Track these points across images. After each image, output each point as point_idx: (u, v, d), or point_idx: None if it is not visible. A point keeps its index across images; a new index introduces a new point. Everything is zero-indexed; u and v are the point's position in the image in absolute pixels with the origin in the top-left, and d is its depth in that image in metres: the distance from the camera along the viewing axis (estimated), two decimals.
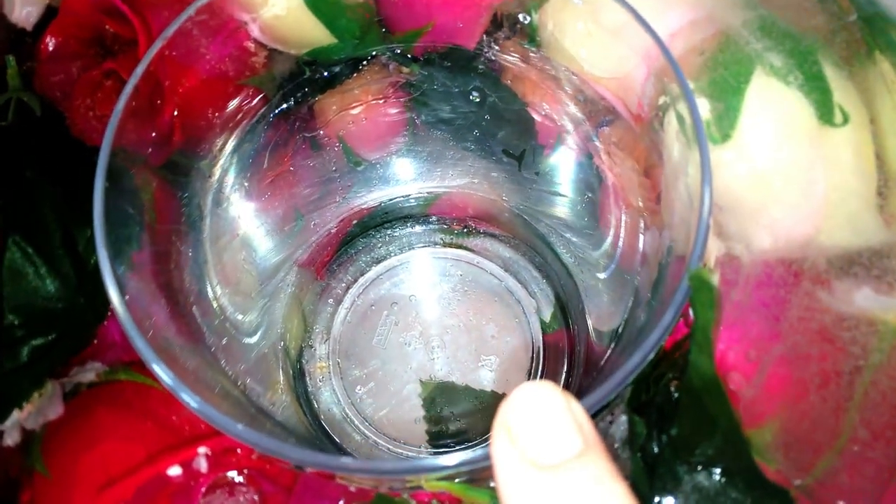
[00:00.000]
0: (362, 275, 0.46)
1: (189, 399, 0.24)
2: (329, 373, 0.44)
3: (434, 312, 0.45)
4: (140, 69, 0.28)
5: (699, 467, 0.25)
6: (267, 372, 0.38)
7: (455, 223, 0.46)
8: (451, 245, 0.46)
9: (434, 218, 0.46)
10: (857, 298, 0.26)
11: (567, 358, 0.43)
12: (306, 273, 0.44)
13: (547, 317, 0.45)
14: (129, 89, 0.27)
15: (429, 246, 0.47)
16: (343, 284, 0.46)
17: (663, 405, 0.27)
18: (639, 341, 0.24)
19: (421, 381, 0.43)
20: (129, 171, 0.29)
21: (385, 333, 0.45)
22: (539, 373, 0.44)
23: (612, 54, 0.31)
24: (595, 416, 0.29)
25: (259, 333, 0.39)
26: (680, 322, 0.28)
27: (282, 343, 0.42)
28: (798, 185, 0.29)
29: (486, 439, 0.42)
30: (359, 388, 0.44)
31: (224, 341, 0.33)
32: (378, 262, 0.47)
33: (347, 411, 0.43)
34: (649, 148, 0.32)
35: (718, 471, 0.25)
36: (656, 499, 0.25)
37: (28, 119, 0.37)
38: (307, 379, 0.44)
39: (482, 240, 0.46)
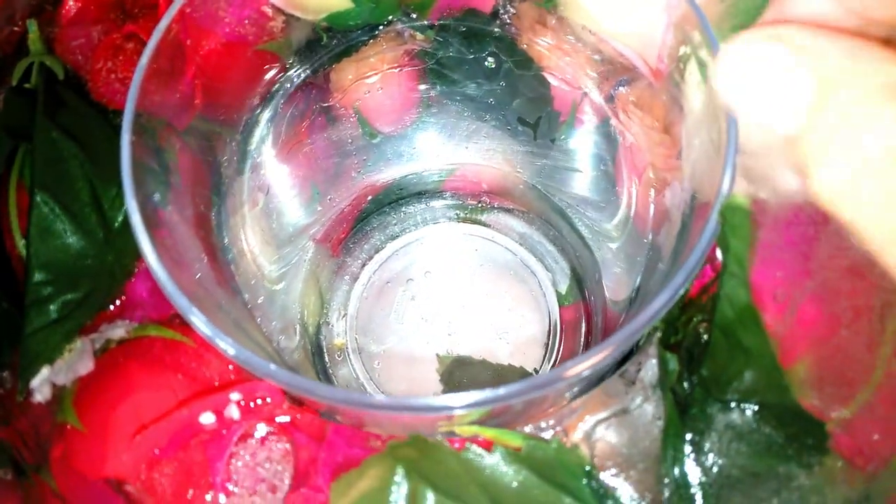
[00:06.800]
0: (377, 252, 0.46)
1: (221, 342, 0.24)
2: (347, 349, 0.44)
3: (450, 288, 0.45)
4: (163, 23, 0.28)
5: (732, 405, 0.25)
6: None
7: (469, 198, 0.46)
8: (465, 220, 0.46)
9: (448, 194, 0.46)
10: None
11: (584, 330, 0.43)
12: (322, 250, 0.44)
13: (563, 290, 0.45)
14: (152, 43, 0.27)
15: (443, 222, 0.47)
16: (359, 262, 0.46)
17: (692, 348, 0.26)
18: (673, 272, 0.24)
19: (438, 355, 0.43)
20: (154, 130, 0.29)
21: (401, 310, 0.45)
22: (556, 346, 0.44)
23: (631, 7, 0.31)
24: (626, 358, 0.29)
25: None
26: (706, 267, 0.28)
27: (299, 320, 0.42)
28: None
29: None
30: (377, 363, 0.44)
31: (260, 300, 0.33)
32: (393, 238, 0.47)
33: (366, 387, 0.43)
34: (669, 103, 0.32)
35: (751, 407, 0.25)
36: (688, 436, 0.25)
37: (51, 82, 0.37)
38: (325, 356, 0.44)
39: (497, 215, 0.46)
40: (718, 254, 0.26)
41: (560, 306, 0.44)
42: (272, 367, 0.23)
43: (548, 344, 0.44)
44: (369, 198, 0.45)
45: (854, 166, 0.20)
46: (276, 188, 0.40)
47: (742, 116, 0.24)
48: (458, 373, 0.43)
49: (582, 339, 0.43)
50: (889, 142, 0.20)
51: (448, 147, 0.44)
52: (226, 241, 0.34)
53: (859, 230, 0.21)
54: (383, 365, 0.44)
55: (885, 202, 0.20)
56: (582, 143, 0.40)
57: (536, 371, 0.43)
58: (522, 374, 0.43)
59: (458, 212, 0.46)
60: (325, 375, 0.43)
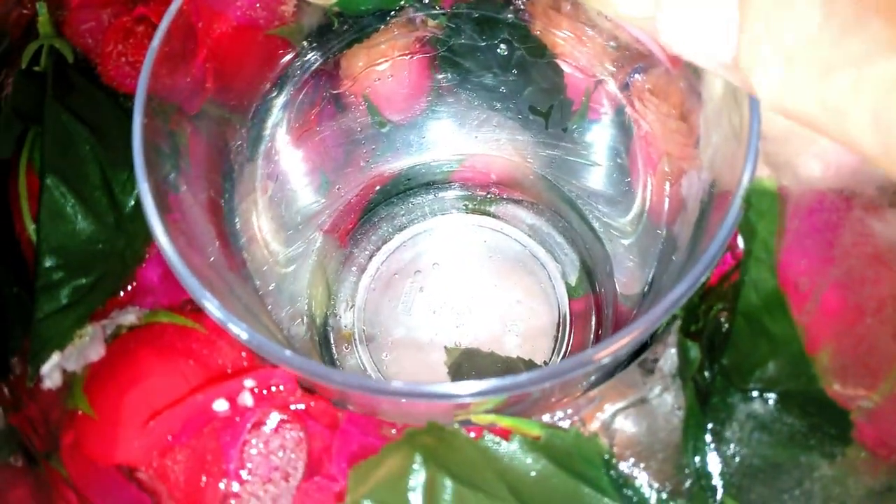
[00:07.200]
0: (385, 243, 0.46)
1: (235, 327, 0.24)
2: (354, 341, 0.44)
3: (458, 279, 0.45)
4: (174, 6, 0.27)
5: (753, 394, 0.25)
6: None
7: (478, 189, 0.46)
8: (474, 211, 0.46)
9: (457, 184, 0.46)
10: None
11: (595, 323, 0.43)
12: (330, 240, 0.44)
13: (573, 282, 0.44)
14: (164, 25, 0.27)
15: (452, 213, 0.46)
16: (366, 253, 0.46)
17: (713, 336, 0.26)
18: (692, 261, 0.23)
19: (446, 347, 0.43)
20: (165, 114, 0.29)
21: (409, 301, 0.44)
22: (566, 338, 0.44)
23: None
24: (642, 349, 0.29)
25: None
26: (727, 255, 0.27)
27: (307, 311, 0.42)
28: None
29: None
30: (384, 355, 0.43)
31: (271, 287, 0.33)
32: (401, 229, 0.46)
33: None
34: (687, 91, 0.32)
35: (774, 396, 0.25)
36: (709, 426, 0.25)
37: (61, 65, 0.37)
38: (332, 347, 0.43)
39: (506, 206, 0.46)
40: (739, 241, 0.26)
41: (570, 298, 0.44)
42: (287, 352, 0.23)
43: (557, 336, 0.44)
44: (377, 188, 0.45)
45: (785, 56, 0.21)
46: (285, 176, 0.40)
47: (689, 57, 0.25)
48: (467, 365, 0.43)
49: (592, 332, 0.43)
50: (806, 24, 0.20)
51: (458, 136, 0.43)
52: (237, 226, 0.33)
53: (808, 119, 0.22)
54: (391, 357, 0.43)
55: (818, 76, 0.21)
56: (595, 132, 0.40)
57: (546, 364, 0.43)
58: (531, 366, 0.42)
59: (466, 203, 0.46)
60: (332, 366, 0.43)
